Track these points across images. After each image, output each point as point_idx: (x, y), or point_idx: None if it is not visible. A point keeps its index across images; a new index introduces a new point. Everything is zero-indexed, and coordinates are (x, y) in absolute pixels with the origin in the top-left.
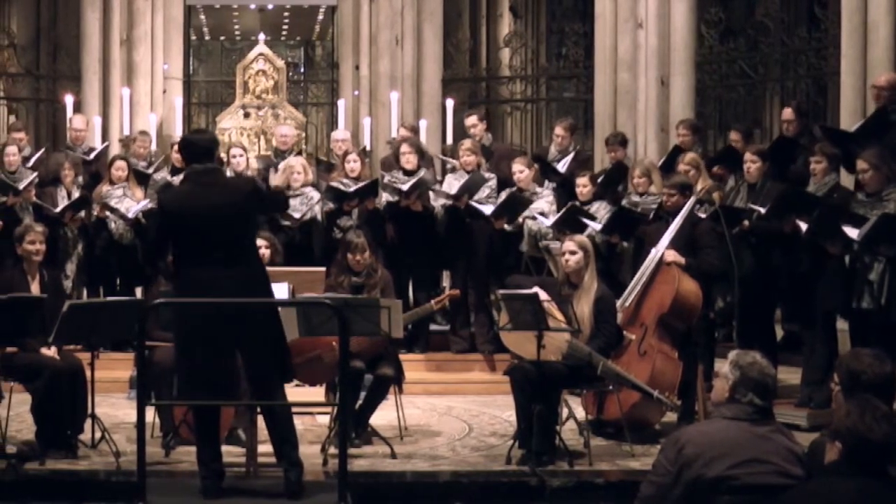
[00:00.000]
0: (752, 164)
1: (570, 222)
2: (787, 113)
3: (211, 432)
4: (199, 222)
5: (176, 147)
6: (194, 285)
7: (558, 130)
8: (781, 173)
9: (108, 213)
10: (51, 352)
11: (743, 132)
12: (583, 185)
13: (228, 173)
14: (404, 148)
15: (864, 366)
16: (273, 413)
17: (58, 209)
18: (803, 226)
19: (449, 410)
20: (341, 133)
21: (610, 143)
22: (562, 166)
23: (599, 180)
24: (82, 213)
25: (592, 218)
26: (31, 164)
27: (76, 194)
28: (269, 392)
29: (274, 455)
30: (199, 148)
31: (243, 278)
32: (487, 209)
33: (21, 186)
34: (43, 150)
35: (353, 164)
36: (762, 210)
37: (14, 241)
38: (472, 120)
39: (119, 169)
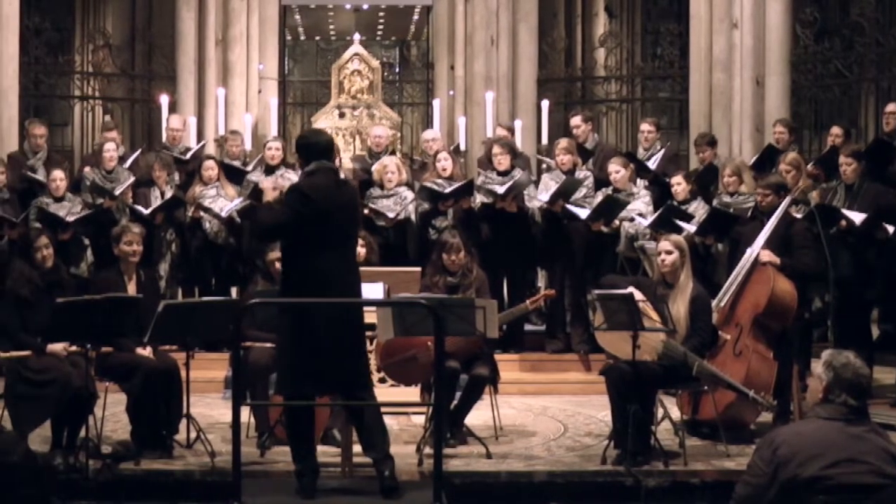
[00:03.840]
0: (847, 166)
1: (666, 222)
2: (892, 106)
3: (307, 428)
4: (332, 216)
5: (273, 146)
6: (315, 275)
7: (644, 127)
8: (880, 174)
9: (202, 213)
10: (146, 352)
11: (845, 130)
12: (677, 184)
13: None
14: (496, 149)
15: None
16: (361, 410)
17: (148, 210)
18: (890, 228)
19: (544, 410)
20: (432, 132)
21: (698, 143)
22: (652, 163)
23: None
24: (179, 212)
25: (688, 218)
26: (127, 164)
27: (169, 194)
28: (360, 390)
29: (362, 449)
30: (321, 146)
31: (354, 276)
32: (583, 212)
33: (118, 191)
34: (139, 150)
35: (445, 163)
36: (857, 221)
37: (111, 241)
38: (576, 120)
39: (209, 168)
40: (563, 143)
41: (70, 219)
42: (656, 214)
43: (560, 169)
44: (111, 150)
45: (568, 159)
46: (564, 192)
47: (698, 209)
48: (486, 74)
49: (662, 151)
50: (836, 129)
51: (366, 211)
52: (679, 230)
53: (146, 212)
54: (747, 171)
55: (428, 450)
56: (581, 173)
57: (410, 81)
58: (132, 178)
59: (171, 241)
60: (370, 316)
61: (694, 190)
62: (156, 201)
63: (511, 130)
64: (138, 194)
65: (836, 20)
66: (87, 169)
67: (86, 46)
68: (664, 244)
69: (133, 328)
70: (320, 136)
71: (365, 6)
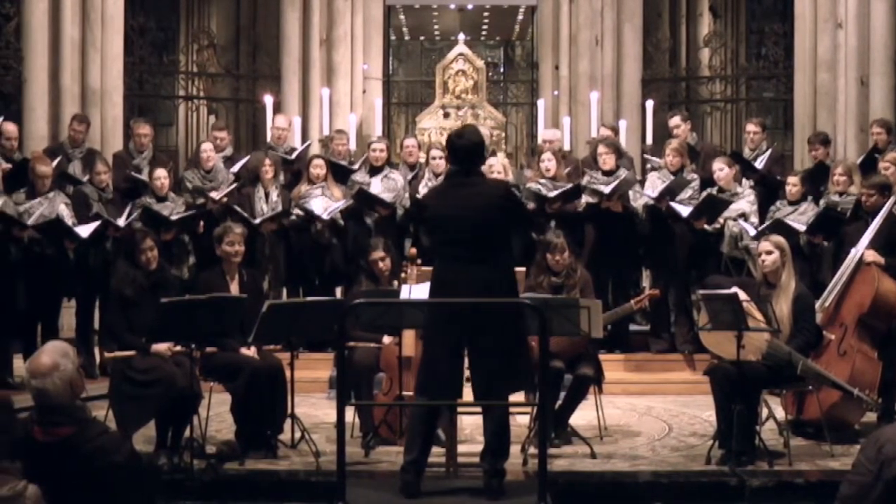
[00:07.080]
0: None
1: (773, 231)
2: None
3: (428, 426)
4: (449, 221)
5: (377, 147)
6: (440, 282)
7: (750, 128)
8: None
9: (302, 213)
10: (250, 352)
11: None
12: (792, 185)
13: (427, 174)
14: (601, 149)
15: None
16: (492, 417)
17: (257, 220)
18: None
19: (649, 410)
20: (551, 132)
21: (811, 142)
22: (759, 164)
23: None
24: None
25: (793, 231)
26: (235, 168)
27: (274, 194)
28: (492, 397)
29: (479, 456)
30: (460, 151)
31: (483, 278)
32: (686, 210)
33: (219, 196)
34: (249, 157)
35: (548, 164)
36: None
37: (214, 241)
38: (675, 121)
39: (317, 167)
40: (674, 143)
41: (173, 217)
42: (763, 226)
43: (668, 169)
44: (208, 151)
45: (678, 161)
46: (672, 190)
47: (808, 210)
48: (591, 74)
49: (769, 152)
50: None
51: None
52: (788, 232)
53: (255, 221)
54: (857, 172)
55: (532, 450)
56: (689, 175)
57: (515, 81)
58: (235, 183)
59: (274, 240)
60: None
61: (805, 191)
62: (260, 201)
63: (615, 130)
64: (242, 195)
65: None
66: (187, 171)
67: (190, 46)
68: (764, 244)
69: (237, 328)
70: (459, 139)
71: (469, 6)
